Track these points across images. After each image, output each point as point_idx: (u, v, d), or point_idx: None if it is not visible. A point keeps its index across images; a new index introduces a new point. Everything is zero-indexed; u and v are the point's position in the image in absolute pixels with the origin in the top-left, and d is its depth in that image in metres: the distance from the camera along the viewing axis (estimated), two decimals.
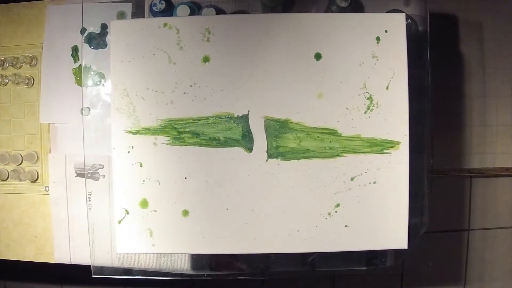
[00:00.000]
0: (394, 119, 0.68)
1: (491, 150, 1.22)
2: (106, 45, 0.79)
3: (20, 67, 0.87)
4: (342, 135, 0.68)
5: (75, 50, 0.83)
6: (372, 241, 0.69)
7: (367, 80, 0.68)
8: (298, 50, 0.68)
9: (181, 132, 0.68)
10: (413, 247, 0.72)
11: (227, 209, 0.68)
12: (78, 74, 0.82)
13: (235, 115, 0.68)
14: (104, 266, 0.79)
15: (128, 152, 0.68)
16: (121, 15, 0.81)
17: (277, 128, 0.68)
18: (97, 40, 0.80)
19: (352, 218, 0.68)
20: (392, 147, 0.68)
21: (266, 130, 0.68)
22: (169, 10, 0.74)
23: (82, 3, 0.76)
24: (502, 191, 1.29)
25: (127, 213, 0.68)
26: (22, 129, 0.87)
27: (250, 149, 0.68)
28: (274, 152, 0.68)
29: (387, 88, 0.68)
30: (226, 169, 0.68)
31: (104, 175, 0.80)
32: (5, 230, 0.86)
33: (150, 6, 0.74)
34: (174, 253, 0.77)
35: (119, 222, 0.68)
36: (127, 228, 0.68)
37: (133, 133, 0.68)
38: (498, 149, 1.22)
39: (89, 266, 0.78)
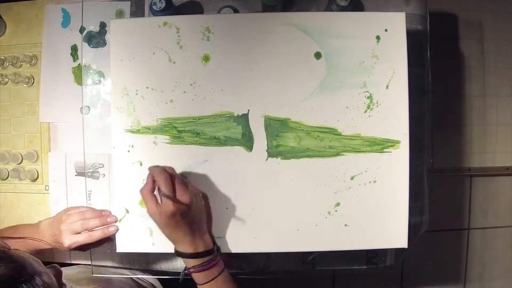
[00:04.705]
0: (394, 118, 0.68)
1: (491, 149, 1.22)
2: (105, 44, 0.79)
3: (20, 66, 0.87)
4: (342, 134, 0.68)
5: (74, 49, 0.83)
6: (372, 240, 0.69)
7: (367, 79, 0.68)
8: (298, 49, 0.68)
9: (181, 131, 0.68)
10: (413, 246, 0.72)
11: (227, 208, 0.68)
12: (78, 73, 0.82)
13: (235, 114, 0.68)
14: (104, 265, 0.79)
15: (128, 151, 0.68)
16: (119, 14, 0.81)
17: (277, 127, 0.68)
18: (97, 39, 0.80)
19: (352, 217, 0.68)
20: (392, 146, 0.68)
21: (266, 129, 0.68)
22: (169, 9, 0.74)
23: (82, 2, 0.76)
24: (502, 190, 1.30)
25: (127, 212, 0.68)
26: (22, 128, 0.87)
27: (250, 148, 0.68)
28: (274, 151, 0.68)
29: (387, 87, 0.68)
30: (226, 168, 0.68)
31: (104, 174, 0.80)
32: None
33: (150, 5, 0.74)
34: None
35: (119, 221, 0.68)
36: (127, 227, 0.68)
37: (133, 132, 0.68)
38: (498, 148, 1.22)
39: (89, 265, 0.78)
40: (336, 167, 0.68)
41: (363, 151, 0.68)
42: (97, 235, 0.65)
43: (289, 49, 0.68)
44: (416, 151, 0.74)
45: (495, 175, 1.26)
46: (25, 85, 0.86)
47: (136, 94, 0.68)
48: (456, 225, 1.31)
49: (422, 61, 0.77)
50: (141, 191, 0.59)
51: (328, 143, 0.68)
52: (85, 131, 0.76)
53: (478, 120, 1.21)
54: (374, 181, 0.68)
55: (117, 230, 0.66)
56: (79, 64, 0.82)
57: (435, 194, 0.81)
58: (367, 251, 0.78)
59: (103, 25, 0.80)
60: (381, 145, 0.68)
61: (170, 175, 0.59)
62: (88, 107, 0.78)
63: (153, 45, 0.68)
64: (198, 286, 0.62)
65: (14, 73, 0.86)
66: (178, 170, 0.67)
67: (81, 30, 0.81)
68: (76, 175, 0.82)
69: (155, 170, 0.60)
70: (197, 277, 0.61)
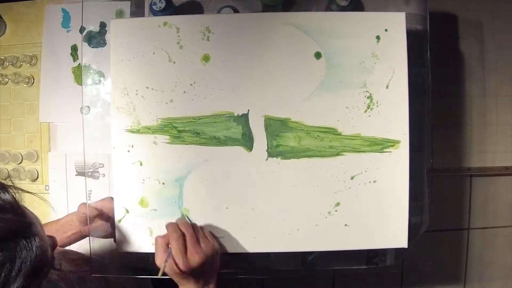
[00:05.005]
0: (394, 118, 0.68)
1: (491, 149, 1.22)
2: (105, 44, 0.79)
3: (20, 66, 0.87)
4: (342, 134, 0.68)
5: (74, 49, 0.83)
6: (372, 240, 0.69)
7: (367, 79, 0.68)
8: (298, 49, 0.68)
9: (181, 131, 0.68)
10: (413, 246, 0.72)
11: (227, 208, 0.68)
12: (78, 73, 0.82)
13: (235, 114, 0.68)
14: (104, 265, 0.79)
15: (128, 151, 0.68)
16: (119, 14, 0.81)
17: (277, 127, 0.68)
18: (97, 39, 0.80)
19: (352, 217, 0.68)
20: (392, 146, 0.68)
21: (266, 129, 0.68)
22: (169, 9, 0.74)
23: (82, 2, 0.76)
24: (502, 190, 1.29)
25: (127, 212, 0.68)
26: (22, 128, 0.87)
27: (250, 148, 0.68)
28: (274, 151, 0.68)
29: (387, 87, 0.68)
30: (226, 168, 0.68)
31: (104, 174, 0.80)
32: None
33: (150, 5, 0.74)
34: None
35: (119, 221, 0.68)
36: (127, 227, 0.68)
37: (133, 132, 0.68)
38: (498, 148, 1.22)
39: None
40: (336, 167, 0.68)
41: (363, 151, 0.68)
42: None
43: (289, 49, 0.68)
44: (416, 151, 0.73)
45: (495, 175, 1.26)
46: (25, 85, 0.86)
47: (136, 94, 0.68)
48: (456, 225, 1.31)
49: (422, 61, 0.77)
50: (157, 239, 0.59)
51: (328, 143, 0.68)
52: (85, 131, 0.76)
53: (478, 120, 1.21)
54: (374, 181, 0.68)
55: None
56: (79, 64, 0.83)
57: (435, 194, 0.81)
58: (367, 251, 0.78)
59: (103, 25, 0.80)
60: (381, 145, 0.68)
61: (182, 234, 0.59)
62: (88, 107, 0.78)
63: (153, 45, 0.68)
64: None
65: (14, 73, 0.86)
66: (178, 170, 0.67)
67: (81, 30, 0.81)
68: (76, 175, 0.82)
69: (169, 226, 0.60)
70: None
